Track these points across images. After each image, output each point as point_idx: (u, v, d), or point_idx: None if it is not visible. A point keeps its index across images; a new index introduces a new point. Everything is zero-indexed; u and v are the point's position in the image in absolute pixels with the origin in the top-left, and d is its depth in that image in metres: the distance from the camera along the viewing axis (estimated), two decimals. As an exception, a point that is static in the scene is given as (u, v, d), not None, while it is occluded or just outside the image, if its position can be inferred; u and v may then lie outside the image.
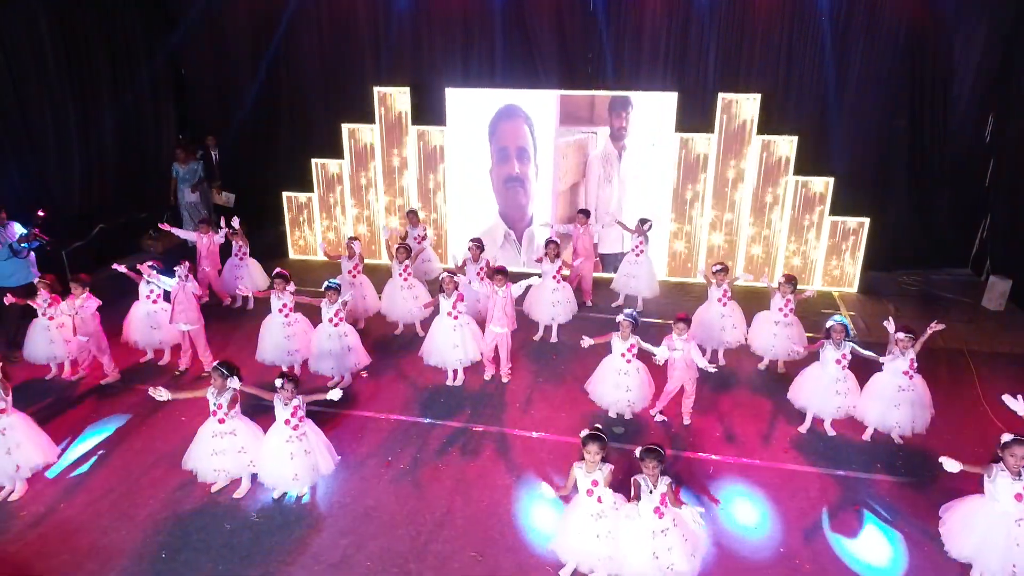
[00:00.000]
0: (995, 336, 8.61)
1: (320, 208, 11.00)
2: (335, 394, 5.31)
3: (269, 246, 10.98)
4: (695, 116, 9.88)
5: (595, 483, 4.58)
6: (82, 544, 5.10)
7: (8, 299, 7.00)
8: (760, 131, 9.51)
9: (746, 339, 7.71)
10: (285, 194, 11.04)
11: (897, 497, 5.70)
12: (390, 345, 8.25)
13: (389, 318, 8.48)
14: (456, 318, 7.16)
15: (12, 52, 8.77)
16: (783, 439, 6.46)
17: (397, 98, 10.26)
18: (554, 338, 8.38)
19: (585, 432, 4.62)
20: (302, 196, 11.00)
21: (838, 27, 9.51)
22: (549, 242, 8.22)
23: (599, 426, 4.70)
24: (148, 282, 7.39)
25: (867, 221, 9.63)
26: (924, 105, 9.69)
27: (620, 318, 6.37)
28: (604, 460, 4.59)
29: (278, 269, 7.26)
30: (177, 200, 11.13)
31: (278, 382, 5.27)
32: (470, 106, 10.10)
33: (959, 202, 10.18)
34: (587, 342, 6.33)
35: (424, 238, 9.54)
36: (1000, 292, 9.28)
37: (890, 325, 6.33)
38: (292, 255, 11.29)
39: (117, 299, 7.79)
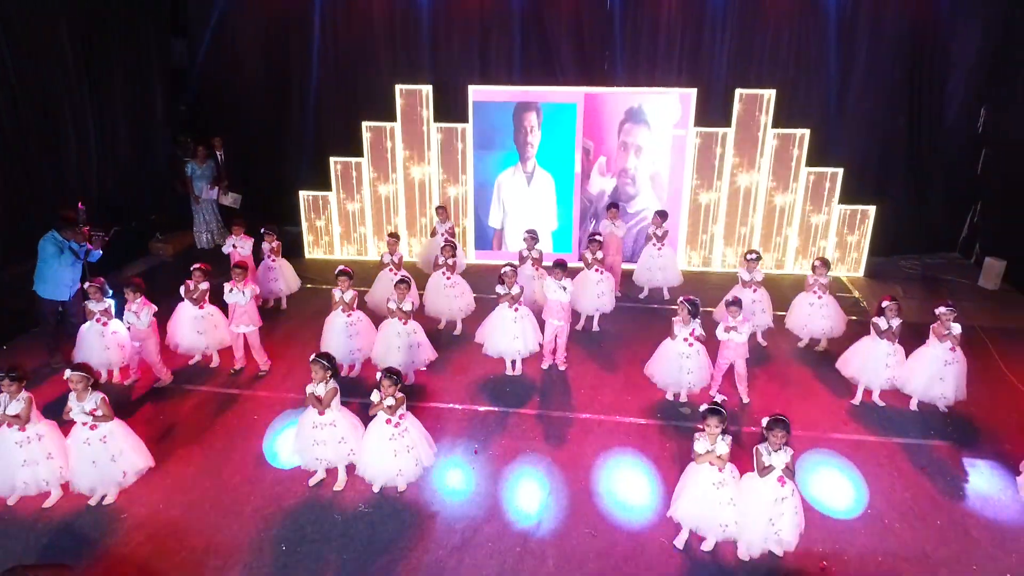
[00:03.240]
0: (996, 313, 9.24)
1: (338, 207, 10.94)
2: None
3: (285, 246, 10.83)
4: (709, 111, 10.28)
5: (716, 464, 4.85)
6: (197, 543, 5.07)
7: None
8: (774, 125, 9.98)
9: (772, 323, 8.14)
10: (302, 193, 10.94)
11: (956, 458, 6.16)
12: (437, 339, 8.28)
13: (429, 313, 8.47)
14: (516, 310, 7.31)
15: (41, 65, 8.70)
16: (840, 411, 6.87)
17: (418, 95, 10.30)
18: (595, 327, 8.61)
19: (705, 406, 4.89)
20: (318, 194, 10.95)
21: (844, 24, 10.05)
22: (592, 237, 8.45)
23: (718, 400, 4.97)
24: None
25: (873, 209, 10.22)
26: (922, 100, 10.33)
27: (680, 303, 6.64)
28: (724, 432, 4.84)
29: (341, 267, 7.27)
30: (194, 197, 10.94)
31: (386, 382, 5.33)
32: (490, 103, 10.22)
33: (951, 190, 10.87)
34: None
35: (453, 233, 9.65)
36: (996, 272, 9.97)
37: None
38: (308, 254, 11.21)
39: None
